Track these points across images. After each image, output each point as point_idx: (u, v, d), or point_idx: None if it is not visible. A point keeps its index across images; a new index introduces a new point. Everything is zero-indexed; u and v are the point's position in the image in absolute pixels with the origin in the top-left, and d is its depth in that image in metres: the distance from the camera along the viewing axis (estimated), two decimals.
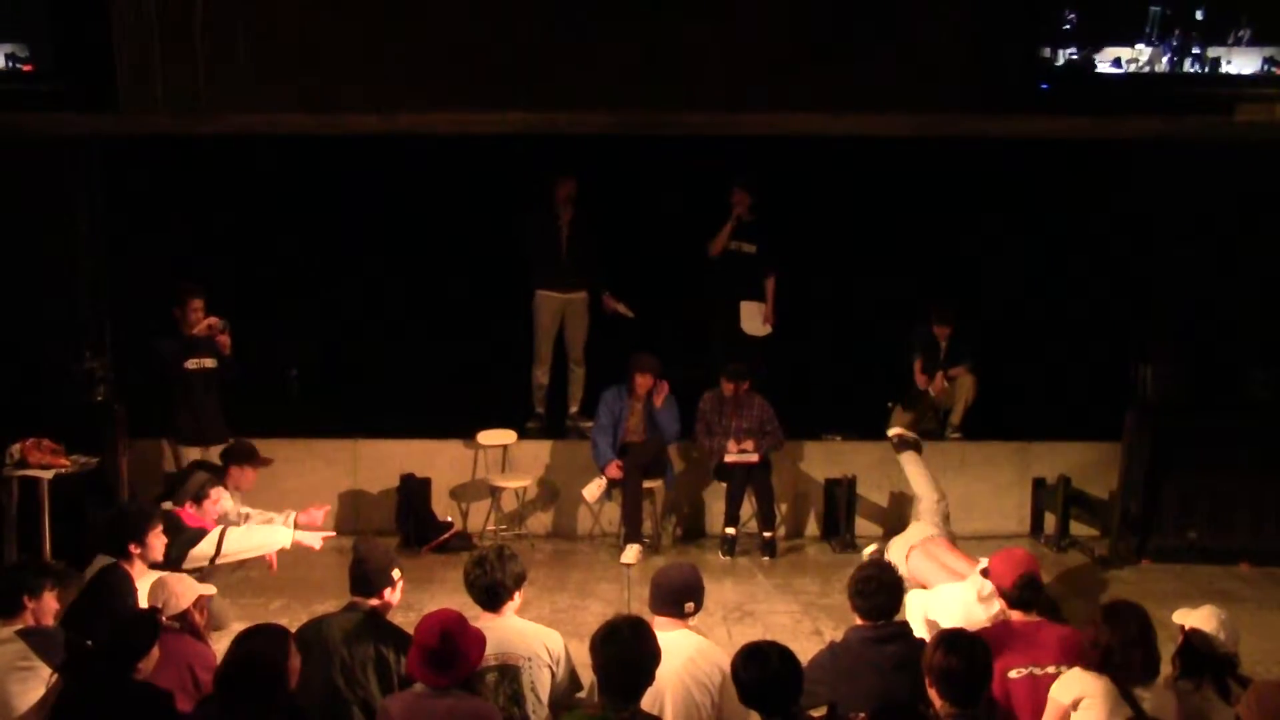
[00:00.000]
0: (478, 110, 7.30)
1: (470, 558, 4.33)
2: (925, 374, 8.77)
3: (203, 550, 5.67)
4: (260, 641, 3.64)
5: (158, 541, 5.29)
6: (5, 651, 4.20)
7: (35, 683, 4.10)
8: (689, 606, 4.26)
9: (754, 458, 7.80)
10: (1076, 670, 3.87)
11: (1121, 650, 3.79)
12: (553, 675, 4.15)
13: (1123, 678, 3.77)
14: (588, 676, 4.18)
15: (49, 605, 4.50)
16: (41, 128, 7.59)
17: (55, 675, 4.00)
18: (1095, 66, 7.03)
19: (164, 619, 4.27)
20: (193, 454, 7.37)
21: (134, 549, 5.13)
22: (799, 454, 8.44)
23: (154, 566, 5.19)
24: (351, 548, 4.56)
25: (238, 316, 7.59)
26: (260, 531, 6.03)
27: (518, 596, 4.30)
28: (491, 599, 4.23)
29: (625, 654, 3.52)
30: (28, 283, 7.90)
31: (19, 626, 4.33)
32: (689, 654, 4.03)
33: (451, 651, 3.67)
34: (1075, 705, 3.77)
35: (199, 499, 6.01)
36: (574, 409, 8.82)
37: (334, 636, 4.16)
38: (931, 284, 9.09)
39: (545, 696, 4.13)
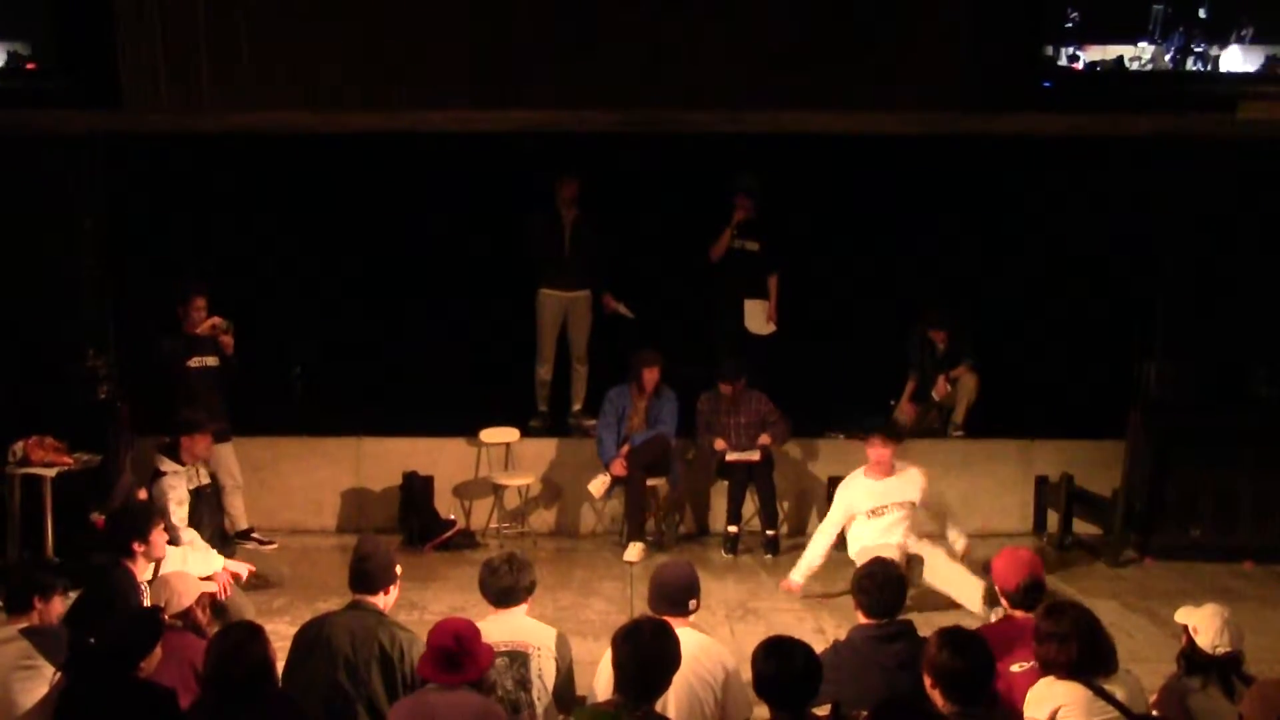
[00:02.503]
0: (480, 109, 7.29)
1: (484, 564, 4.37)
2: (913, 403, 8.81)
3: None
4: (230, 640, 3.65)
5: (160, 539, 5.30)
6: (9, 650, 4.20)
7: (38, 681, 4.11)
8: (692, 604, 4.28)
9: (755, 455, 7.80)
10: (1046, 680, 3.80)
11: (1081, 648, 3.73)
12: (557, 668, 4.20)
13: (1090, 676, 3.73)
14: (587, 674, 4.20)
15: (56, 609, 4.52)
16: (44, 126, 7.59)
17: (58, 674, 4.01)
18: (1097, 65, 7.02)
19: (167, 617, 4.28)
20: None
21: (138, 547, 5.14)
22: (802, 452, 8.44)
23: None
24: (355, 545, 4.56)
25: (240, 314, 7.60)
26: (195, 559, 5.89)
27: (527, 603, 4.35)
28: (503, 601, 4.28)
29: (645, 653, 3.54)
30: (31, 280, 7.91)
31: (23, 625, 4.34)
32: (692, 652, 4.02)
33: (463, 651, 3.70)
34: (1053, 717, 3.71)
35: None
36: (577, 407, 8.82)
37: (338, 635, 4.17)
38: (934, 281, 9.08)
39: (550, 685, 4.17)
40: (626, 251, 8.82)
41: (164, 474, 6.43)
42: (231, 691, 3.56)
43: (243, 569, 5.89)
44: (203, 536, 6.33)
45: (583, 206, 8.49)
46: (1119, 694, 3.73)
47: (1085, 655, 3.74)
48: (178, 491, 6.36)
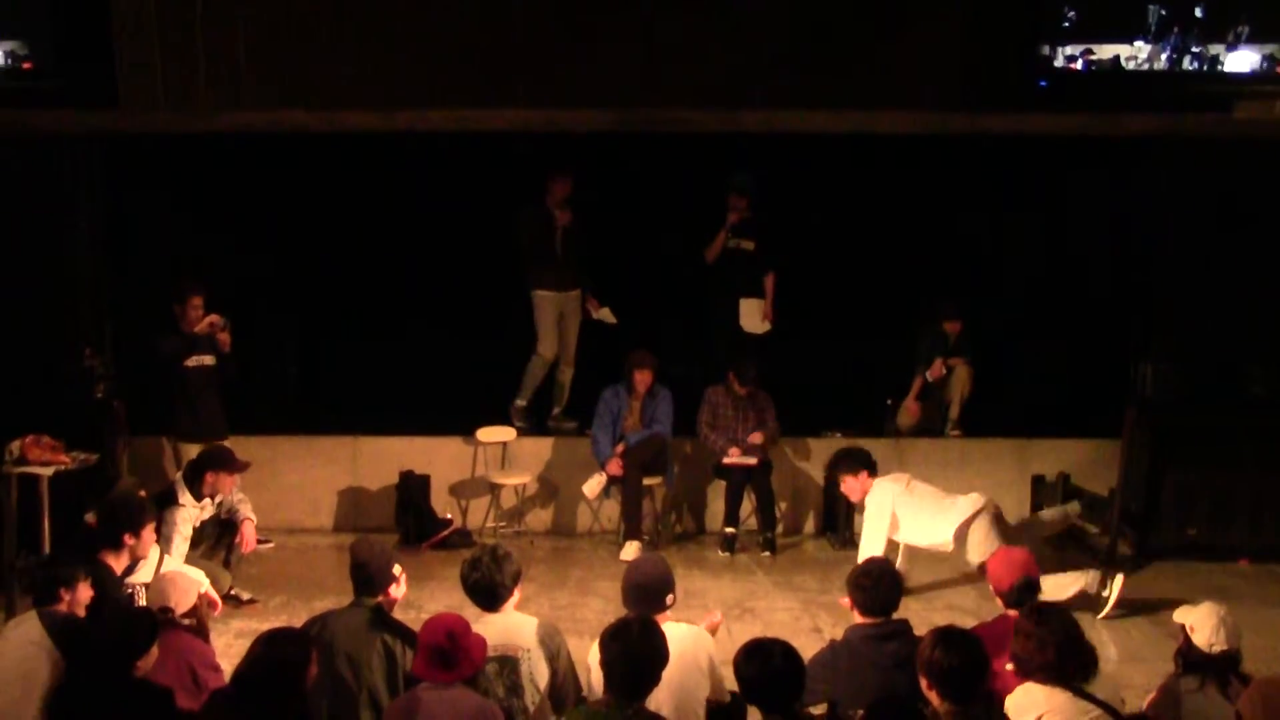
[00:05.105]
0: (477, 108, 7.29)
1: (465, 561, 4.32)
2: (918, 402, 8.80)
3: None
4: (283, 646, 3.65)
5: (150, 537, 5.30)
6: (22, 629, 4.22)
7: (44, 663, 4.10)
8: (669, 599, 4.28)
9: (752, 461, 7.80)
10: (1025, 687, 3.74)
11: (1059, 654, 3.71)
12: (552, 666, 4.17)
13: (1076, 681, 3.71)
14: (584, 674, 4.19)
15: (83, 595, 4.49)
16: (42, 125, 7.58)
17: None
18: (1094, 65, 7.03)
19: (166, 616, 4.28)
20: (192, 451, 7.35)
21: (128, 539, 5.13)
22: (798, 451, 8.45)
23: None
24: (350, 550, 4.54)
25: (237, 313, 7.59)
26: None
27: (517, 593, 4.31)
28: (490, 599, 4.24)
29: (632, 651, 3.54)
30: (27, 279, 7.90)
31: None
32: (679, 644, 4.02)
33: (455, 648, 3.69)
34: None
35: None
36: (557, 410, 8.76)
37: (339, 632, 4.19)
38: (931, 282, 9.07)
39: (544, 686, 4.14)
40: (623, 250, 8.81)
41: (180, 505, 6.29)
42: (262, 694, 3.54)
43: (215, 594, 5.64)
44: (197, 552, 6.33)
45: (575, 206, 8.42)
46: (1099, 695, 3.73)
47: (1063, 660, 3.71)
48: (185, 526, 6.24)
